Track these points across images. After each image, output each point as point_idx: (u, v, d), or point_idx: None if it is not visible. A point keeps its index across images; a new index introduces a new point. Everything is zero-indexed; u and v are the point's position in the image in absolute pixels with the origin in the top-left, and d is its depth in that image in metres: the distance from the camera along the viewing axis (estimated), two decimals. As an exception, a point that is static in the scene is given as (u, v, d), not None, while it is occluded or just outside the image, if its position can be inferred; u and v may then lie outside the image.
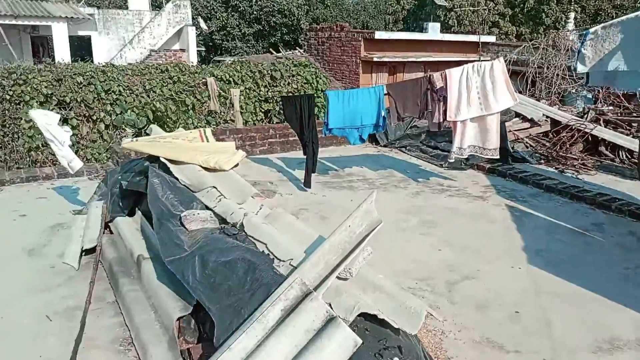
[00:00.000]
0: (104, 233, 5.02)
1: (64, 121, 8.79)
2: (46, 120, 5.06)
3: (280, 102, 8.66)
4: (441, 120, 7.13)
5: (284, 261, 3.21)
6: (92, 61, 16.07)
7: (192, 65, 11.24)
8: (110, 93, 9.48)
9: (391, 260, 4.98)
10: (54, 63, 9.89)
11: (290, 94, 11.35)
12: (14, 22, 18.97)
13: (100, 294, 4.24)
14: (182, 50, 24.12)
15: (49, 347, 3.58)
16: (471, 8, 32.51)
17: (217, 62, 17.49)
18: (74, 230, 5.35)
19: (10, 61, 11.76)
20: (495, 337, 3.86)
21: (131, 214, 5.15)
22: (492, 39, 25.82)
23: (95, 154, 9.01)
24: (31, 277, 4.52)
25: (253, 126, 9.85)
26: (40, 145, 8.96)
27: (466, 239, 5.68)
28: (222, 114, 10.53)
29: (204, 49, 28.74)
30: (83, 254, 4.83)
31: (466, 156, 7.33)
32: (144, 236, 4.62)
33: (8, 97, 8.90)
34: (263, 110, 11.34)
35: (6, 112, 9.07)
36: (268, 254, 3.31)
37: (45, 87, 9.01)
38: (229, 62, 12.97)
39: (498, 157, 7.13)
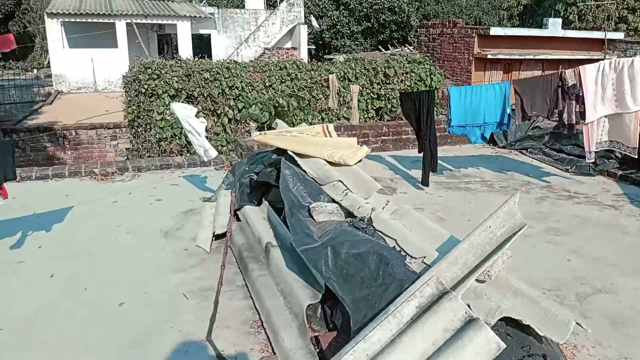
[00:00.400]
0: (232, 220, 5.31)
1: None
2: (186, 112, 5.45)
3: (398, 98, 8.60)
4: (572, 120, 6.72)
5: (415, 258, 3.19)
6: (211, 58, 17.07)
7: (308, 63, 11.52)
8: (234, 89, 9.99)
9: (515, 268, 4.75)
10: (184, 59, 10.58)
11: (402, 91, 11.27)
12: (144, 21, 20.63)
13: (231, 277, 4.48)
14: (294, 48, 24.80)
15: (185, 322, 3.85)
16: (595, 2, 30.17)
17: (327, 60, 17.76)
18: (204, 216, 5.72)
19: (144, 57, 12.78)
20: (636, 358, 3.57)
21: (258, 203, 5.39)
22: (619, 35, 23.81)
23: (218, 146, 9.56)
24: (168, 257, 4.89)
25: (366, 123, 9.90)
26: (169, 137, 9.67)
27: (597, 250, 5.30)
28: (336, 110, 10.70)
29: (313, 47, 29.35)
30: (214, 238, 5.15)
31: (602, 148, 6.88)
32: (271, 225, 4.82)
33: (143, 90, 9.70)
34: (375, 108, 11.36)
35: (141, 104, 9.89)
36: (399, 250, 3.31)
37: (176, 81, 9.70)
38: (343, 59, 13.12)
39: (636, 156, 6.60)
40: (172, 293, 4.26)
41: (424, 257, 3.15)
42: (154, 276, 4.52)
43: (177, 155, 9.46)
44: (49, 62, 28.23)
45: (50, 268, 4.61)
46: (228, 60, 11.31)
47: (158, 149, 9.88)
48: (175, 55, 15.21)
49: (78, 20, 19.70)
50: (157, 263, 4.76)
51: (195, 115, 5.49)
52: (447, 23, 23.16)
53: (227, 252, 4.86)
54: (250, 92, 10.10)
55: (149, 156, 9.66)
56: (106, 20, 19.90)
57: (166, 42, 25.45)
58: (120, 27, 20.06)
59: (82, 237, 5.26)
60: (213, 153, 5.76)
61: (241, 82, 10.11)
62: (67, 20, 19.66)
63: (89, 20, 19.78)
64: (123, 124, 13.28)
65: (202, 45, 25.01)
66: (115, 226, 5.55)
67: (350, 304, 3.12)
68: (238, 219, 5.45)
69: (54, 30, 19.74)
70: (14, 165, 4.33)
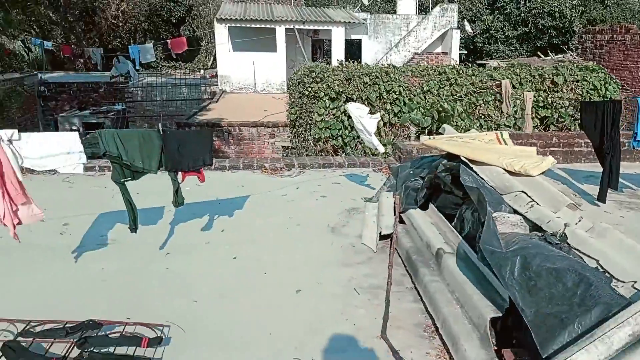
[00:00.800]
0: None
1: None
2: (359, 112, 5.63)
3: (578, 108, 8.01)
4: None
5: (623, 282, 2.94)
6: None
7: (470, 68, 11.19)
8: (391, 93, 10.08)
9: None
10: (345, 64, 10.91)
11: (573, 101, 10.49)
12: (302, 26, 21.61)
13: (399, 279, 4.51)
14: (444, 53, 24.30)
15: (359, 317, 3.95)
16: None
17: (481, 66, 17.13)
18: (367, 216, 5.84)
19: (304, 61, 13.40)
20: None
21: (424, 207, 5.36)
22: None
23: (373, 149, 9.69)
24: (337, 252, 5.06)
25: (534, 132, 9.34)
26: (326, 137, 10.02)
27: None
28: (495, 117, 10.28)
29: (465, 52, 28.51)
30: (378, 238, 5.22)
31: None
32: (440, 231, 4.77)
33: (307, 92, 10.18)
34: (540, 117, 10.68)
35: (304, 105, 10.40)
36: (603, 271, 3.07)
37: (337, 85, 10.03)
38: (499, 65, 12.56)
39: None
40: (344, 287, 4.40)
41: (635, 281, 2.88)
42: (326, 268, 4.70)
43: (331, 155, 9.79)
44: (212, 64, 30.90)
45: (232, 250, 5.03)
46: (387, 65, 11.43)
47: (315, 148, 10.30)
48: (327, 60, 15.77)
49: (243, 25, 21.25)
50: (327, 256, 4.96)
51: (368, 114, 5.65)
52: (617, 29, 21.06)
53: (393, 253, 4.90)
54: (407, 96, 10.10)
55: (307, 155, 10.12)
56: (268, 26, 21.21)
57: (319, 47, 26.47)
58: (280, 32, 21.24)
59: (259, 225, 5.66)
60: (381, 149, 5.97)
61: (399, 86, 10.15)
62: (233, 25, 21.31)
63: (253, 25, 21.24)
64: (281, 123, 14.07)
65: (352, 49, 25.58)
66: (287, 218, 5.88)
67: (531, 317, 2.98)
68: (401, 221, 5.47)
69: (221, 34, 21.50)
70: (211, 153, 4.79)
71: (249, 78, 21.62)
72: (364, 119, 5.58)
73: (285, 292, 4.30)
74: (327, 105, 9.89)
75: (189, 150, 4.59)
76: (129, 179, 4.46)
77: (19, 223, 4.22)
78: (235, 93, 21.48)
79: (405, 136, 9.48)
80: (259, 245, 5.15)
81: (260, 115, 15.30)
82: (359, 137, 9.90)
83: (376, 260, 4.91)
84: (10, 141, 4.01)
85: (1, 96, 10.45)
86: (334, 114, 9.97)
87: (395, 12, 27.23)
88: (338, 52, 21.63)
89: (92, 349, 3.38)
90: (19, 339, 3.51)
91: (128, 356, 3.31)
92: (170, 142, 4.50)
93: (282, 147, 13.94)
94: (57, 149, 4.10)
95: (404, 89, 10.12)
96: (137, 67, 23.81)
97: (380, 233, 5.22)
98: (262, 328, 3.80)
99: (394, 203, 5.62)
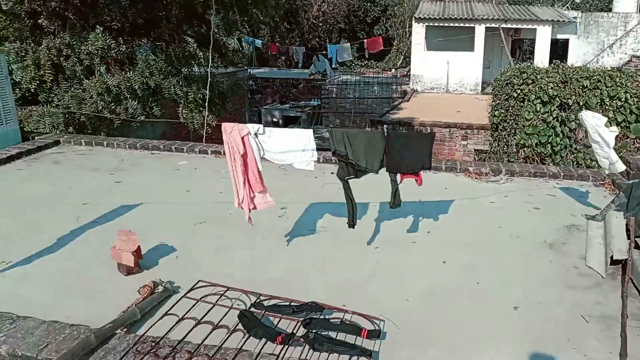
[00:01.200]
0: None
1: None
2: (595, 122, 5.07)
3: None
4: None
5: None
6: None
7: None
8: (615, 99, 8.98)
9: None
10: (560, 65, 10.03)
11: None
12: (504, 25, 20.53)
13: (636, 312, 3.97)
14: (671, 56, 21.06)
15: (590, 348, 3.56)
16: None
17: None
18: (591, 235, 5.24)
19: (503, 62, 12.62)
20: None
21: (669, 234, 4.64)
22: None
23: (587, 160, 8.76)
24: (558, 271, 4.63)
25: None
26: (533, 144, 9.32)
27: None
28: None
29: (698, 55, 24.32)
30: (609, 263, 4.65)
31: None
32: (694, 264, 4.07)
33: (515, 95, 9.59)
34: None
35: (510, 108, 9.81)
36: None
37: (551, 88, 9.25)
38: None
39: None
40: (569, 311, 4.00)
41: None
42: (546, 288, 4.34)
43: (537, 163, 9.08)
44: (402, 63, 31.08)
45: (440, 254, 4.90)
46: (610, 68, 10.22)
47: (517, 154, 9.67)
48: (526, 60, 14.69)
49: (441, 24, 20.92)
50: (547, 275, 4.57)
51: (605, 125, 5.04)
52: None
53: (628, 282, 4.32)
54: (635, 104, 8.90)
55: (509, 161, 9.55)
56: (467, 25, 20.57)
57: (518, 47, 24.91)
58: (480, 31, 20.46)
59: (466, 231, 5.46)
60: (620, 167, 5.21)
61: (625, 92, 8.99)
62: (431, 24, 21.10)
63: (451, 24, 20.78)
64: (475, 125, 13.53)
65: (555, 49, 23.56)
66: (496, 227, 5.58)
67: None
68: (635, 247, 4.80)
69: (418, 33, 21.45)
70: (431, 157, 4.72)
71: (442, 78, 21.26)
72: (601, 128, 4.99)
73: (501, 306, 4.06)
74: (538, 109, 9.18)
75: (410, 153, 4.58)
76: (353, 177, 4.61)
77: (254, 208, 4.66)
78: (426, 92, 21.32)
79: (636, 149, 8.34)
80: (468, 252, 4.96)
81: (453, 116, 14.89)
82: (572, 145, 9.05)
83: (606, 286, 4.38)
84: (256, 135, 4.42)
85: (225, 88, 11.73)
86: (544, 119, 9.22)
87: (610, 9, 24.40)
88: (542, 53, 20.12)
89: (316, 330, 3.56)
90: (252, 309, 3.85)
91: (351, 344, 3.40)
92: (393, 144, 4.55)
93: (475, 150, 13.40)
94: (294, 145, 4.42)
95: (631, 96, 8.93)
96: (334, 66, 24.99)
97: (611, 257, 4.64)
98: (479, 339, 3.63)
99: (627, 225, 4.98)
